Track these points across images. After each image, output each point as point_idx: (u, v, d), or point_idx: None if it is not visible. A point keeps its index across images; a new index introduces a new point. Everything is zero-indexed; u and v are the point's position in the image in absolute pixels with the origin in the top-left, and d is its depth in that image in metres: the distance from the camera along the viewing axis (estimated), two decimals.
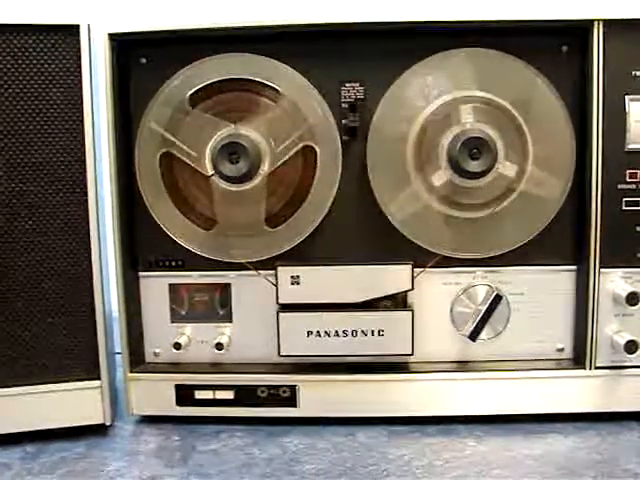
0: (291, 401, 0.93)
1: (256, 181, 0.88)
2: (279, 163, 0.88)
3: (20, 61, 0.83)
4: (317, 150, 0.89)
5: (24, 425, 0.89)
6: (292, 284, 0.90)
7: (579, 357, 0.92)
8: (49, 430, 0.89)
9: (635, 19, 0.84)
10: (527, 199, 0.88)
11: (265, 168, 0.88)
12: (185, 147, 0.88)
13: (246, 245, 0.91)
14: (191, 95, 0.88)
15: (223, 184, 0.88)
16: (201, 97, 0.89)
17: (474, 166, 0.85)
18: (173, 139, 0.88)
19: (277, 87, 0.88)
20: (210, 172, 0.88)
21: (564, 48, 0.88)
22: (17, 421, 0.88)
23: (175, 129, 0.89)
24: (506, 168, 0.86)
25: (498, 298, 0.90)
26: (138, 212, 0.93)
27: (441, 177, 0.87)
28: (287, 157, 0.88)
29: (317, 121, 0.88)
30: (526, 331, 0.93)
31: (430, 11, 0.86)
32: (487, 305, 0.90)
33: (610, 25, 0.84)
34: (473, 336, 0.91)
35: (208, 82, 0.88)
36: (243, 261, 0.92)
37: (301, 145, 0.88)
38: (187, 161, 0.89)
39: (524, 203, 0.88)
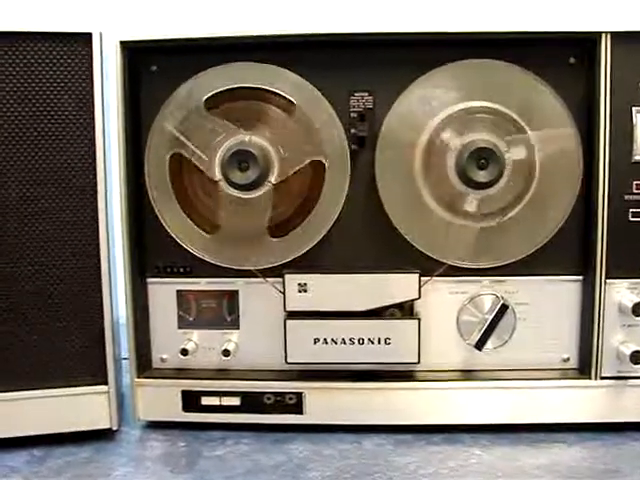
0: (297, 408, 0.93)
1: (263, 190, 0.89)
2: (288, 174, 0.89)
3: (33, 68, 0.84)
4: (325, 163, 0.89)
5: (31, 429, 0.89)
6: (299, 292, 0.91)
7: (585, 367, 0.92)
8: (56, 434, 0.90)
9: None
10: (534, 208, 0.89)
11: (273, 178, 0.88)
12: (197, 150, 0.89)
13: (254, 252, 0.92)
14: (206, 99, 0.89)
15: (231, 191, 0.89)
16: (214, 103, 0.89)
17: (482, 176, 0.85)
18: (185, 141, 0.89)
19: (288, 97, 0.89)
20: (218, 177, 0.88)
21: (572, 60, 0.88)
22: (24, 425, 0.89)
23: (188, 132, 0.89)
24: (514, 154, 0.86)
25: (504, 308, 0.90)
26: (147, 218, 0.93)
27: (472, 203, 0.88)
28: (296, 169, 0.89)
29: (326, 130, 0.89)
30: (532, 341, 0.93)
31: (439, 22, 0.86)
32: (493, 314, 0.90)
33: (617, 37, 0.85)
34: (479, 345, 0.91)
35: (221, 89, 0.89)
36: (251, 268, 0.92)
37: (309, 160, 0.89)
38: (197, 164, 0.89)
39: (531, 213, 0.89)
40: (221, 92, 0.89)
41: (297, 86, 0.89)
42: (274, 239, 0.91)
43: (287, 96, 0.89)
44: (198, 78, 0.89)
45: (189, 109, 0.89)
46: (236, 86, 0.89)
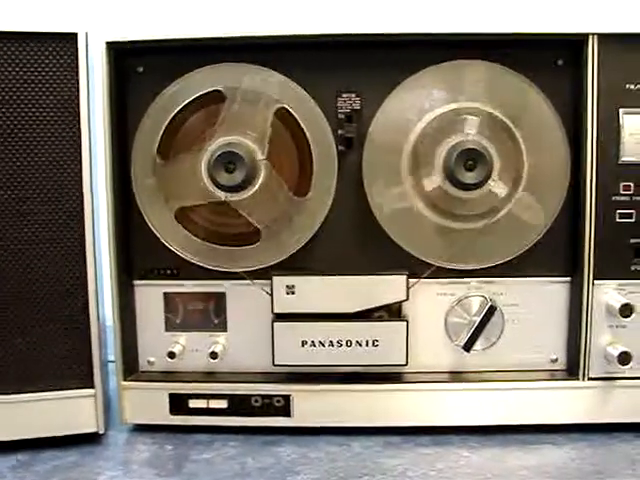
0: (285, 411, 0.93)
1: (250, 191, 0.88)
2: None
3: (17, 68, 0.83)
4: (314, 157, 0.89)
5: (16, 433, 0.88)
6: (287, 294, 0.90)
7: (572, 368, 0.92)
8: (42, 438, 0.89)
9: (629, 33, 0.85)
10: (521, 210, 0.89)
11: (261, 179, 0.88)
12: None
13: (241, 255, 0.91)
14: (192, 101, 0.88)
15: (217, 192, 0.88)
16: (200, 104, 0.89)
17: (469, 177, 0.85)
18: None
19: (274, 97, 0.88)
20: (223, 196, 0.88)
21: (559, 61, 0.88)
22: (9, 429, 0.88)
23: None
24: (497, 186, 0.86)
25: (492, 309, 0.90)
26: (133, 220, 0.92)
27: (433, 182, 0.87)
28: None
29: (313, 131, 0.89)
30: (520, 342, 0.93)
31: (427, 23, 0.86)
32: (481, 316, 0.90)
33: (605, 39, 0.85)
34: (467, 347, 0.91)
35: (208, 90, 0.88)
36: (238, 270, 0.92)
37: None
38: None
39: (518, 214, 0.89)
40: (207, 93, 0.88)
41: (284, 87, 0.88)
42: (261, 241, 0.91)
43: (274, 96, 0.88)
44: (181, 81, 0.89)
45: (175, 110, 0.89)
46: (222, 87, 0.88)
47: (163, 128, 0.89)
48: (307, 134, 0.89)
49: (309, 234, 0.91)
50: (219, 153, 0.86)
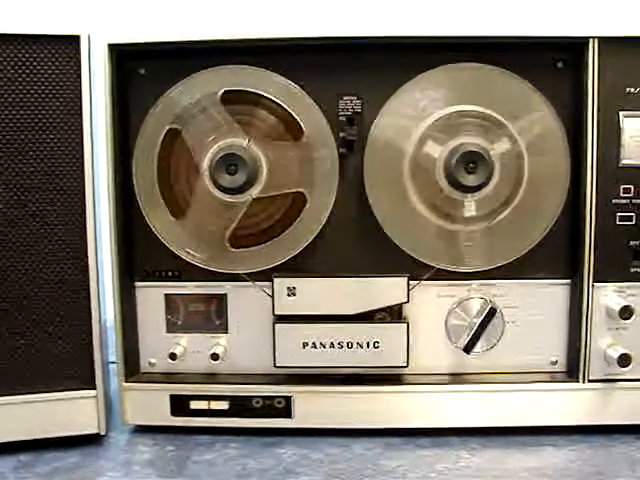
0: (286, 412, 0.93)
1: (250, 194, 0.88)
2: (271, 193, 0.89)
3: (20, 71, 0.83)
4: (315, 161, 0.89)
5: (18, 434, 0.88)
6: (288, 295, 0.91)
7: (572, 370, 0.92)
8: (43, 439, 0.89)
9: (629, 36, 0.85)
10: (522, 212, 0.89)
11: (261, 184, 0.89)
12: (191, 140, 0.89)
13: (242, 256, 0.92)
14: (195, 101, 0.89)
15: (218, 194, 0.88)
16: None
17: (471, 180, 0.85)
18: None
19: (278, 101, 0.88)
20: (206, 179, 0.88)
21: (560, 64, 0.89)
22: (11, 430, 0.88)
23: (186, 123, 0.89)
24: (499, 147, 0.87)
25: (493, 311, 0.91)
26: (135, 222, 0.93)
27: (470, 208, 0.88)
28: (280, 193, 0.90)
29: (315, 134, 0.89)
30: (520, 344, 0.93)
31: (428, 26, 0.86)
32: (482, 318, 0.90)
33: (605, 42, 0.85)
34: (468, 349, 0.91)
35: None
36: (240, 272, 0.92)
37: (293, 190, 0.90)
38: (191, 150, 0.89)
39: (519, 217, 0.89)
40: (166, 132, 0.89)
41: (286, 90, 0.89)
42: (262, 242, 0.91)
43: (277, 101, 0.88)
44: (182, 84, 0.89)
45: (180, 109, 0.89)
46: (224, 90, 0.88)
47: (164, 131, 0.89)
48: (306, 134, 0.89)
49: (310, 236, 0.91)
50: (221, 155, 0.87)
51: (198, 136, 0.88)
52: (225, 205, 0.89)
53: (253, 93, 0.88)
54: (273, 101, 0.88)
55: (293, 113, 0.88)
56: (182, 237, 0.91)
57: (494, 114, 0.88)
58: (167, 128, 0.89)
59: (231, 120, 0.88)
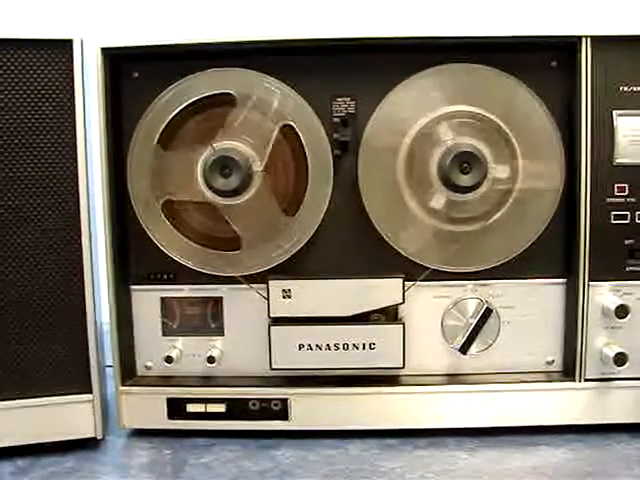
0: (282, 414, 0.93)
1: (246, 196, 0.88)
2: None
3: (13, 75, 0.83)
4: (309, 163, 0.89)
5: (15, 439, 0.88)
6: (284, 297, 0.90)
7: (569, 369, 0.92)
8: (40, 444, 0.89)
9: (622, 35, 0.85)
10: (517, 212, 0.89)
11: (255, 187, 0.88)
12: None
13: (238, 259, 0.92)
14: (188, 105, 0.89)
15: (212, 197, 0.88)
16: (193, 110, 0.89)
17: (465, 180, 0.85)
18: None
19: (269, 102, 0.88)
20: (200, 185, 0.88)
21: (553, 63, 0.89)
22: (8, 435, 0.88)
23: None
24: (498, 171, 0.87)
25: (488, 311, 0.91)
26: (130, 226, 0.93)
27: (439, 200, 0.88)
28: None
29: (309, 136, 0.89)
30: (516, 344, 0.93)
31: (421, 27, 0.86)
32: (477, 318, 0.91)
33: (598, 41, 0.85)
34: (464, 349, 0.91)
35: (198, 97, 0.88)
36: (235, 275, 0.92)
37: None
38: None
39: (514, 217, 0.89)
40: (203, 98, 0.88)
41: (279, 92, 0.89)
42: (258, 245, 0.91)
43: (268, 101, 0.88)
44: (176, 87, 0.89)
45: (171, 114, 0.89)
46: (218, 92, 0.88)
47: (159, 131, 0.89)
48: (303, 141, 0.89)
49: (305, 238, 0.91)
50: (216, 157, 0.86)
51: (190, 139, 0.88)
52: (219, 208, 0.89)
53: (246, 95, 0.88)
54: (266, 104, 0.88)
55: (287, 115, 0.88)
56: (177, 240, 0.91)
57: (488, 114, 0.88)
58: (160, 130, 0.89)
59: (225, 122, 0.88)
